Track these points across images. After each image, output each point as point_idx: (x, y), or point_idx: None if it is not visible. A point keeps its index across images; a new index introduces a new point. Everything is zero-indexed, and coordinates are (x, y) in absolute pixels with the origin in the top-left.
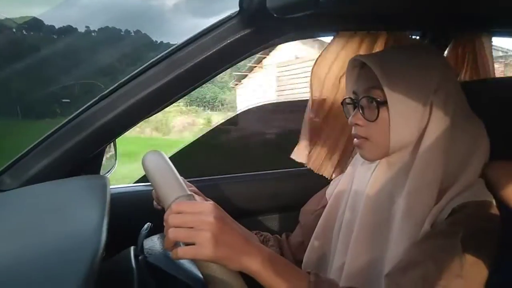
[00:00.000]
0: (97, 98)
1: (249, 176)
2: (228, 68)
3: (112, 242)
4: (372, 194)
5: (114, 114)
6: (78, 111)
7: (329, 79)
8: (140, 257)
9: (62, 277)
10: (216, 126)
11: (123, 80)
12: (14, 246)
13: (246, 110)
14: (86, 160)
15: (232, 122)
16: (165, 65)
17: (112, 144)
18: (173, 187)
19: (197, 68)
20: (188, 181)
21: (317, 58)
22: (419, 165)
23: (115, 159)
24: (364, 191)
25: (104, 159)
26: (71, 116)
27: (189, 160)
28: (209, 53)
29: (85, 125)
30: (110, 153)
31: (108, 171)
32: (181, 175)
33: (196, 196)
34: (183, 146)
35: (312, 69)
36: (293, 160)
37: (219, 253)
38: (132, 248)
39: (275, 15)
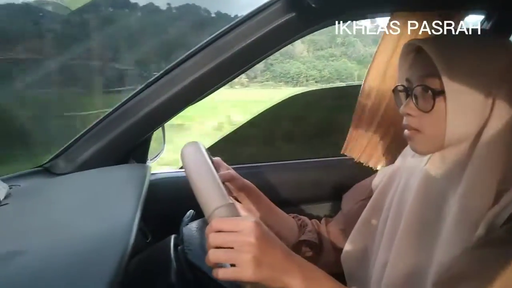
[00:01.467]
0: (143, 85)
1: (292, 164)
2: (273, 53)
3: (158, 227)
4: (422, 190)
5: (161, 100)
6: (126, 98)
7: (390, 67)
8: (179, 247)
9: (86, 278)
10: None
11: (169, 66)
12: (49, 238)
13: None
14: (135, 145)
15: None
16: (210, 51)
17: (160, 129)
18: (213, 194)
19: (242, 52)
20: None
21: (379, 46)
22: (476, 162)
23: (164, 144)
24: (413, 186)
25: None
26: (119, 103)
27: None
28: (253, 39)
29: (133, 112)
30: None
31: (156, 156)
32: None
33: (237, 207)
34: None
35: (374, 56)
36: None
37: (260, 275)
38: (172, 237)
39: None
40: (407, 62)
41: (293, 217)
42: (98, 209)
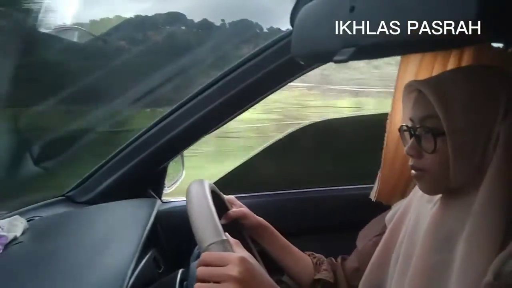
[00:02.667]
0: (159, 117)
1: (310, 192)
2: (281, 87)
3: (172, 256)
4: (431, 232)
5: (175, 132)
6: (144, 129)
7: None
8: (185, 283)
9: None
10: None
11: (184, 100)
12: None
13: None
14: (151, 175)
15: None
16: (225, 83)
17: (180, 156)
18: (207, 231)
19: (253, 86)
20: (245, 195)
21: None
22: (481, 203)
23: (182, 171)
24: (422, 227)
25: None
26: (137, 134)
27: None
28: (261, 74)
29: (149, 143)
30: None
31: (174, 183)
32: None
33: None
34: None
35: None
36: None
37: None
38: (180, 271)
39: (301, 62)
40: (410, 101)
41: (308, 255)
42: (99, 251)
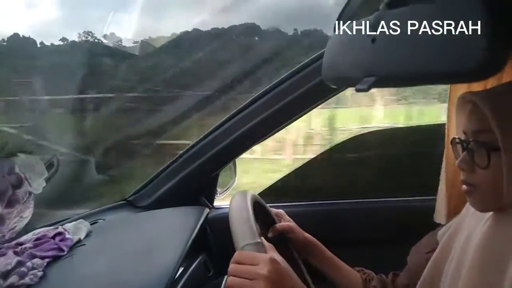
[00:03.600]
0: (212, 128)
1: (362, 203)
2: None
3: (222, 261)
4: (480, 251)
5: (227, 141)
6: (198, 139)
7: None
8: None
9: None
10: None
11: (233, 112)
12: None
13: None
14: (205, 181)
15: None
16: (276, 92)
17: (232, 163)
18: (243, 233)
19: (304, 95)
20: (294, 204)
21: None
22: None
23: (235, 177)
24: (473, 244)
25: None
26: (190, 145)
27: None
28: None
29: (202, 152)
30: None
31: (225, 190)
32: None
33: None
34: None
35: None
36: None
37: None
38: (226, 277)
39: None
40: (464, 114)
41: (358, 271)
42: (148, 254)
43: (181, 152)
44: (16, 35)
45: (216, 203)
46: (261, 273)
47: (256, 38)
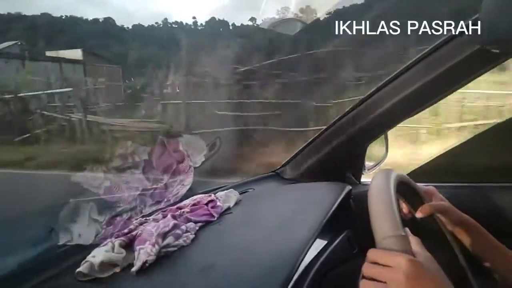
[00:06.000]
0: (358, 101)
1: None
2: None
3: (368, 238)
4: None
5: (374, 115)
6: (342, 113)
7: None
8: None
9: None
10: None
11: (383, 82)
12: (237, 253)
13: None
14: (351, 156)
15: None
16: (434, 58)
17: (383, 136)
18: (385, 223)
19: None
20: (449, 185)
21: None
22: None
23: (386, 151)
24: None
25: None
26: (336, 118)
27: None
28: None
29: (348, 126)
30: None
31: (375, 166)
32: None
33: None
34: None
35: None
36: None
37: None
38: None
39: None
40: None
41: None
42: (285, 227)
43: (327, 125)
44: (212, 19)
45: (363, 178)
46: (399, 278)
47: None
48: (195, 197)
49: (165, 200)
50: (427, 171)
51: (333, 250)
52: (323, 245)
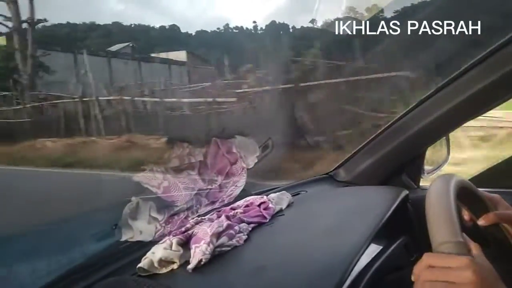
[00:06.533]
0: (416, 103)
1: None
2: None
3: (426, 245)
4: None
5: (432, 117)
6: (399, 114)
7: None
8: None
9: None
10: None
11: (440, 84)
12: (289, 254)
13: None
14: (408, 159)
15: None
16: (500, 56)
17: (444, 140)
18: (442, 228)
19: None
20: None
21: None
22: None
23: (448, 155)
24: None
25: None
26: (392, 120)
27: None
28: None
29: (405, 128)
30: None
31: (435, 169)
32: None
33: None
34: None
35: None
36: None
37: None
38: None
39: None
40: None
41: None
42: (338, 231)
43: (383, 127)
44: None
45: (422, 183)
46: (467, 275)
47: None
48: (248, 198)
49: (220, 200)
50: (491, 176)
51: (389, 256)
52: (378, 250)
